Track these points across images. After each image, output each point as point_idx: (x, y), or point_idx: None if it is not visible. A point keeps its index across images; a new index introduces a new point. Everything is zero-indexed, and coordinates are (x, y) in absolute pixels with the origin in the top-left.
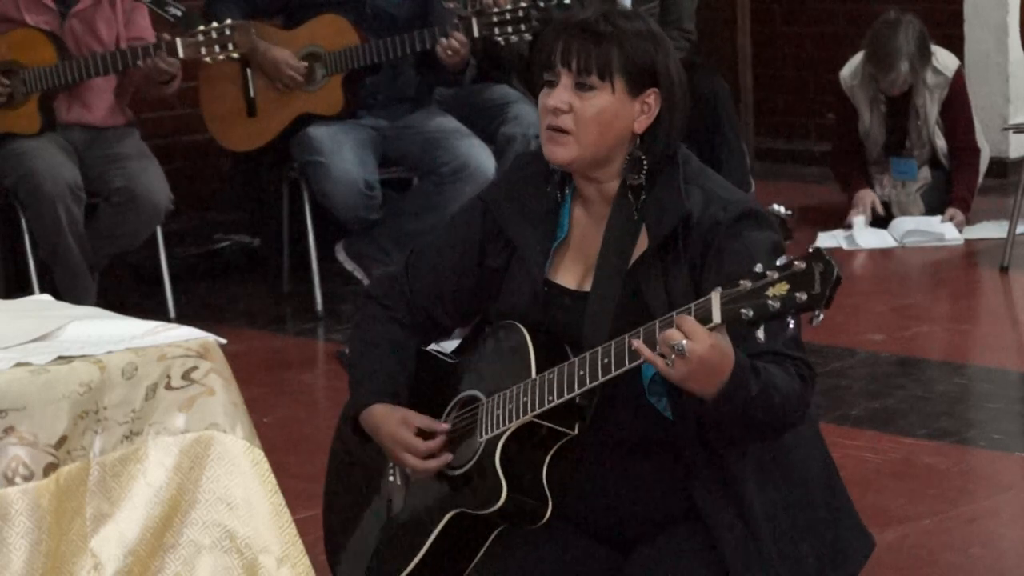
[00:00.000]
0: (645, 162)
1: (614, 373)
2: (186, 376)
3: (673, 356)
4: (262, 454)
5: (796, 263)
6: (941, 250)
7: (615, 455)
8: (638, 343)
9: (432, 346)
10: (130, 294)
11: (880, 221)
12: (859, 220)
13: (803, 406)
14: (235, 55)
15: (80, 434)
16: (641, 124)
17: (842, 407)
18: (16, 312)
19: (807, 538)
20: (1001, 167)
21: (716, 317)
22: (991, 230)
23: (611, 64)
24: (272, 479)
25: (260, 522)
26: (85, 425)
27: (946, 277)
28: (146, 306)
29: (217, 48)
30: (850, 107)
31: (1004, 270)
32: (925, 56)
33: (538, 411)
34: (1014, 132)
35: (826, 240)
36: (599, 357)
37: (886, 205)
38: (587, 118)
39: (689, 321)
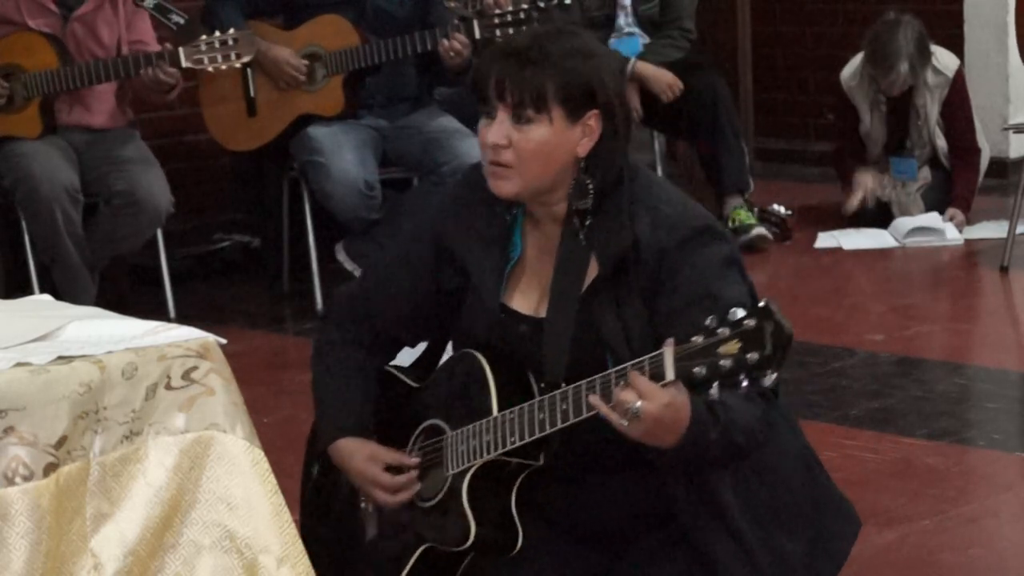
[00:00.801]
0: (591, 186)
1: (572, 421)
2: (186, 376)
3: (628, 418)
4: (262, 454)
5: (747, 320)
6: (941, 250)
7: (588, 471)
8: (595, 399)
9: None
10: (130, 294)
11: (879, 220)
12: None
13: (767, 428)
14: (237, 65)
15: (80, 434)
16: (584, 147)
17: (842, 407)
18: (16, 312)
19: (794, 534)
20: (1001, 167)
21: (670, 375)
22: (991, 230)
23: (546, 94)
24: (272, 479)
25: (260, 522)
26: (85, 425)
27: (946, 277)
28: (146, 306)
29: (220, 58)
30: (850, 108)
31: (1004, 270)
32: (925, 56)
33: (500, 452)
34: (1014, 132)
35: (826, 240)
36: (558, 403)
37: (886, 205)
38: (528, 152)
39: (642, 381)
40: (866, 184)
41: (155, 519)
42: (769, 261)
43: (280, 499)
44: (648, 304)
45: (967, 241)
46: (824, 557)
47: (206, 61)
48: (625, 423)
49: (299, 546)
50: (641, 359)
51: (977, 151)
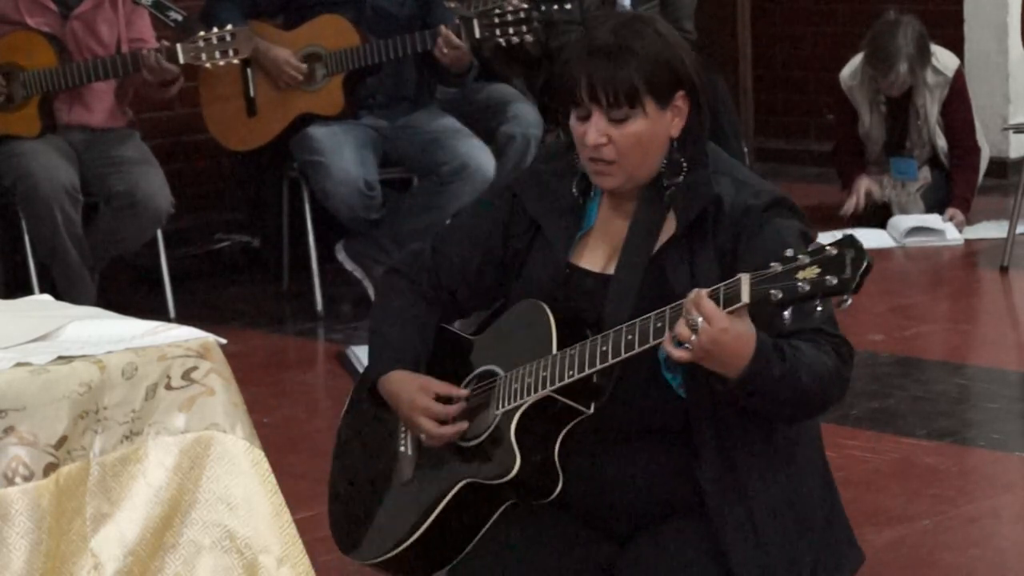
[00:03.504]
0: (684, 163)
1: (637, 350)
2: (186, 376)
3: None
4: (262, 454)
5: (828, 248)
6: (941, 250)
7: (624, 436)
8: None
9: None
10: (130, 294)
11: (878, 220)
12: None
13: (840, 383)
14: (235, 61)
15: (80, 434)
16: (676, 128)
17: (842, 407)
18: (16, 312)
19: (806, 537)
20: (1001, 167)
21: (745, 297)
22: (991, 230)
23: (637, 90)
24: (272, 479)
25: (260, 522)
26: (85, 425)
27: (946, 277)
28: (146, 306)
29: (218, 54)
30: (850, 108)
31: (1004, 270)
32: (924, 57)
33: (558, 385)
34: (1014, 132)
35: (826, 240)
36: (623, 334)
37: (886, 205)
38: (627, 146)
39: (705, 301)
40: (863, 189)
41: (155, 519)
42: None
43: (280, 499)
44: (723, 262)
45: (967, 241)
46: (829, 571)
47: (204, 57)
48: (685, 348)
49: (299, 546)
50: (717, 286)
51: (977, 151)
